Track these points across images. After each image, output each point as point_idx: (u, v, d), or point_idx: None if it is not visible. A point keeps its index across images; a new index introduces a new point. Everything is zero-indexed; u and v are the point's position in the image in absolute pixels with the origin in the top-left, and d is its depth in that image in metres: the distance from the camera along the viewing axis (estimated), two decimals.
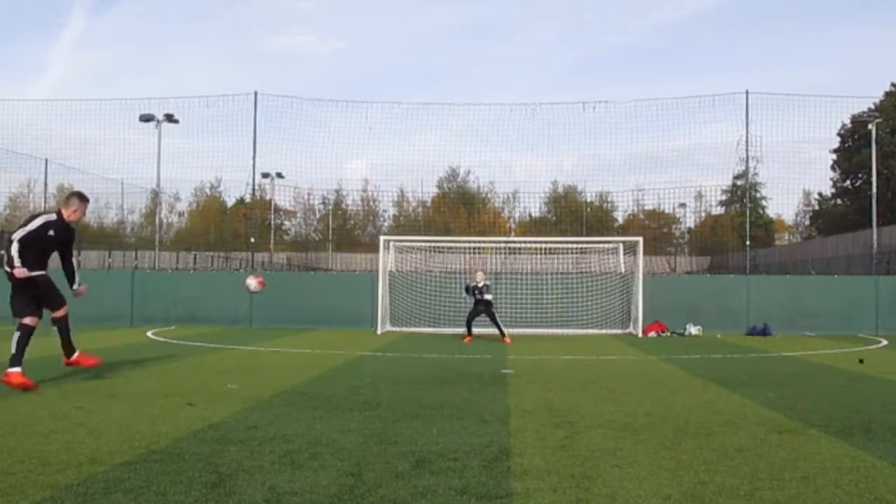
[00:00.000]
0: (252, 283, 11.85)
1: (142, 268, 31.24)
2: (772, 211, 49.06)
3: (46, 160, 30.46)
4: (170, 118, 27.58)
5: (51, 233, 7.88)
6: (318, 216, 44.09)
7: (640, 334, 18.30)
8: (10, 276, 7.69)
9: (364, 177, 34.18)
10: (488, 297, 16.57)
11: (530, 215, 40.66)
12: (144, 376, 9.13)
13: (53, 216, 7.93)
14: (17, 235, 7.71)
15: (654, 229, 42.90)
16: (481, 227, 35.75)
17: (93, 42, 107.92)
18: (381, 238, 20.27)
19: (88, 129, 29.77)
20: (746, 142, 24.80)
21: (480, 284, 16.54)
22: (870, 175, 29.58)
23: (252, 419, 6.10)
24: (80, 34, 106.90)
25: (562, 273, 21.48)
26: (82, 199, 8.18)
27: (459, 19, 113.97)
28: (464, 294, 17.19)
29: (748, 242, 25.11)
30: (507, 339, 16.09)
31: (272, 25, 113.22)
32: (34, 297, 7.89)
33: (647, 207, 39.80)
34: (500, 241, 26.59)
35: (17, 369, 7.59)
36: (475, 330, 16.75)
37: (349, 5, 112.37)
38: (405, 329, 19.35)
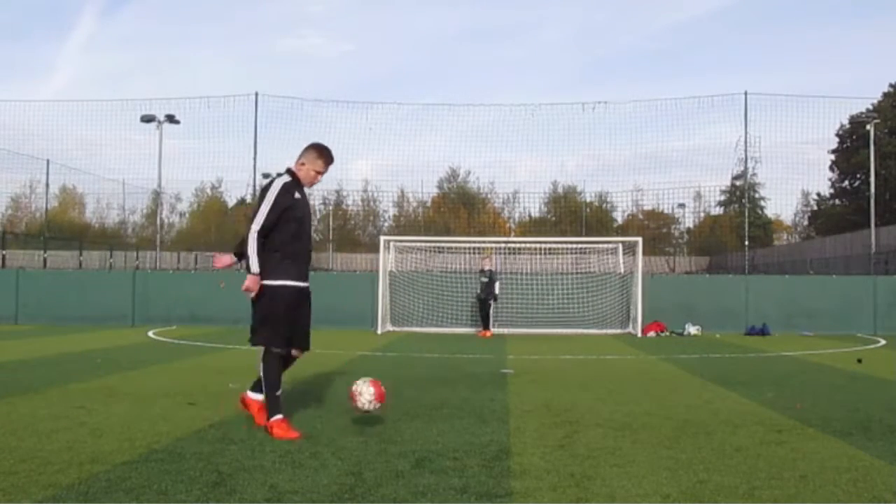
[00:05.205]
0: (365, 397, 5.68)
1: (143, 268, 31.28)
2: (770, 211, 49.14)
3: (48, 161, 30.49)
4: (171, 119, 27.63)
5: None
6: (318, 216, 44.10)
7: (640, 334, 18.32)
8: None
9: (365, 177, 34.21)
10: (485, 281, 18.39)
11: (530, 216, 40.72)
12: (145, 376, 9.15)
13: None
14: None
15: (654, 230, 42.95)
16: (481, 228, 35.77)
17: (103, 43, 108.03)
18: (382, 238, 20.29)
19: (91, 129, 29.87)
20: (745, 142, 24.88)
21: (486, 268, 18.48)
22: (868, 175, 29.63)
23: (253, 419, 6.11)
24: (90, 35, 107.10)
25: (561, 273, 21.48)
26: None
27: (468, 22, 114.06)
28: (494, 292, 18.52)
29: (747, 243, 25.15)
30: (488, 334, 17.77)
31: (282, 28, 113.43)
32: None
33: (646, 208, 39.90)
34: (499, 242, 26.60)
35: None
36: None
37: (359, 8, 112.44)
38: (405, 329, 19.37)
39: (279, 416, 5.52)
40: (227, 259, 5.90)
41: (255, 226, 5.51)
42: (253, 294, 5.59)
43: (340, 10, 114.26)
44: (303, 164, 5.81)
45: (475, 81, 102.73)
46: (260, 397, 5.72)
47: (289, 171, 5.79)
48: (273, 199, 5.56)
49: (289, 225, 5.60)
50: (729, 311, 19.87)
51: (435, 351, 13.40)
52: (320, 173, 5.86)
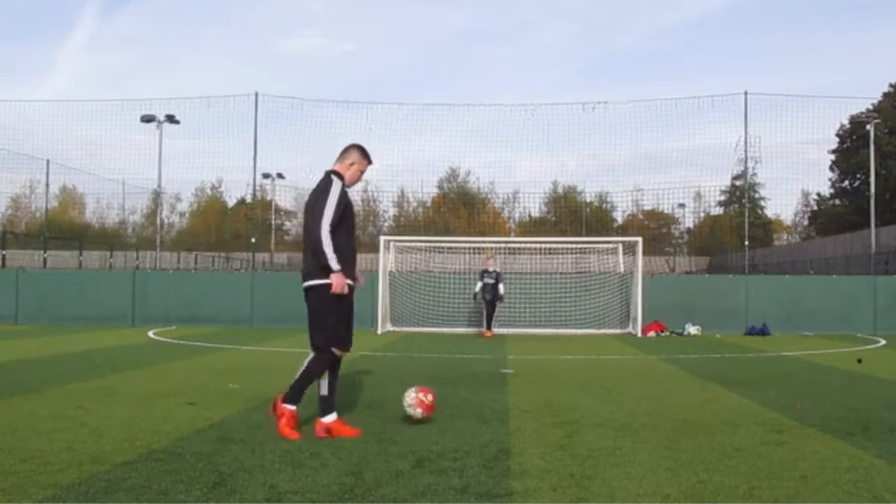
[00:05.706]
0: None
1: (143, 268, 31.26)
2: (770, 211, 49.10)
3: (48, 161, 30.48)
4: (171, 119, 27.64)
5: None
6: None
7: (640, 334, 18.32)
8: None
9: (365, 177, 34.18)
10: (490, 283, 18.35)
11: (530, 216, 40.65)
12: (146, 376, 9.15)
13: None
14: None
15: (654, 229, 42.92)
16: (481, 228, 35.75)
17: (103, 43, 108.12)
18: (382, 238, 20.28)
19: (91, 129, 29.82)
20: (745, 142, 24.83)
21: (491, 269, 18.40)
22: (868, 175, 29.63)
23: (253, 419, 6.12)
24: (90, 35, 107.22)
25: (561, 273, 21.50)
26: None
27: (468, 22, 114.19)
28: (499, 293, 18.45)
29: (747, 243, 25.12)
30: (489, 334, 17.84)
31: (282, 28, 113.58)
32: None
33: (646, 208, 39.83)
34: (499, 242, 26.59)
35: None
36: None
37: (359, 8, 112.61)
38: (405, 329, 19.37)
39: (294, 408, 5.52)
40: (361, 275, 5.93)
41: (326, 223, 5.48)
42: (342, 291, 5.53)
43: (340, 10, 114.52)
44: (352, 163, 5.85)
45: (475, 81, 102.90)
46: (332, 418, 5.58)
47: (335, 174, 5.77)
48: (337, 199, 5.59)
49: (347, 223, 5.69)
50: (729, 311, 19.88)
51: (435, 351, 13.40)
52: (363, 172, 5.96)
